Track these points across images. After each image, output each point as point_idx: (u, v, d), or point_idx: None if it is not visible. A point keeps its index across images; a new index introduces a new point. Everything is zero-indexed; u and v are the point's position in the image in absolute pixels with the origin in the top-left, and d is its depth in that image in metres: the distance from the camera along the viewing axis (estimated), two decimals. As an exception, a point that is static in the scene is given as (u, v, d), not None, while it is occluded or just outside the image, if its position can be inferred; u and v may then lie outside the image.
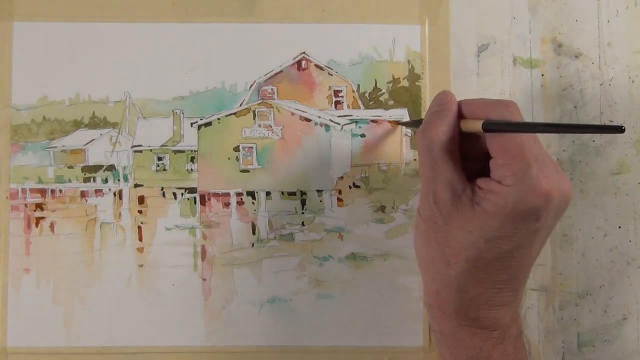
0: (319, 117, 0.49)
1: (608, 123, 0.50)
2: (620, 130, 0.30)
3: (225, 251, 0.49)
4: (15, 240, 0.48)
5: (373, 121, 0.50)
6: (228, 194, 0.49)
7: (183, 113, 0.49)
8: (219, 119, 0.49)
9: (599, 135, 0.50)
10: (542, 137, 0.49)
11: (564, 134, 0.49)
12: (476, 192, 0.37)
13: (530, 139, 0.36)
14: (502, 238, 0.36)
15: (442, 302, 0.39)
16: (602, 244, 0.49)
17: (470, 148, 0.40)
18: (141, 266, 0.48)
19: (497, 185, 0.36)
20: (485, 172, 0.38)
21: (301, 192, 0.49)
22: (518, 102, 0.48)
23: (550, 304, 0.49)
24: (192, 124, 0.49)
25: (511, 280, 0.38)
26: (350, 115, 0.50)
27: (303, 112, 0.49)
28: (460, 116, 0.39)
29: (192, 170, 0.49)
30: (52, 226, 0.49)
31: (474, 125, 0.38)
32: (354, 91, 0.50)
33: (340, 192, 0.49)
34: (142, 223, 0.49)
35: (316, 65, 0.50)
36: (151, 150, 0.49)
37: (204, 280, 0.49)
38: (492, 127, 0.36)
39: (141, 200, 0.49)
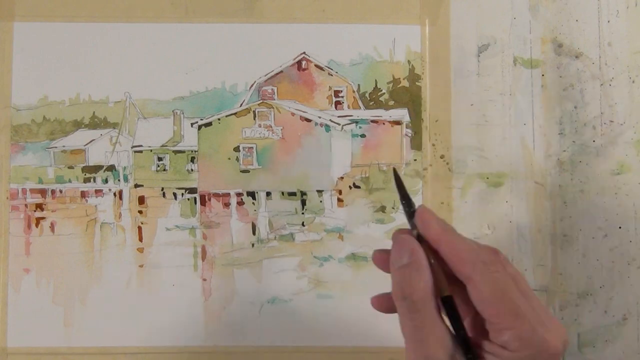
0: (319, 117, 0.49)
1: (608, 123, 0.50)
2: None
3: (225, 251, 0.49)
4: (15, 240, 0.48)
5: (373, 121, 0.50)
6: (228, 194, 0.49)
7: (183, 113, 0.49)
8: (219, 119, 0.49)
9: (599, 134, 0.50)
10: (542, 136, 0.49)
11: None
12: (475, 353, 0.34)
13: (515, 292, 0.34)
14: None
15: None
16: (602, 244, 0.49)
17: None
18: (141, 266, 0.48)
19: (501, 350, 0.33)
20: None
21: (301, 192, 0.49)
22: (518, 102, 0.48)
23: (550, 304, 0.49)
24: (192, 124, 0.49)
25: None
26: (350, 115, 0.50)
27: (303, 112, 0.49)
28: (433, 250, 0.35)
29: (192, 170, 0.49)
30: (52, 226, 0.49)
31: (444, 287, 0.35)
32: (354, 91, 0.50)
33: (340, 192, 0.49)
34: (142, 223, 0.49)
35: (316, 65, 0.50)
36: (151, 150, 0.49)
37: (204, 280, 0.48)
38: None
39: (141, 200, 0.49)
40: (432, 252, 0.35)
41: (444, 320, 0.35)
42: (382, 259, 0.39)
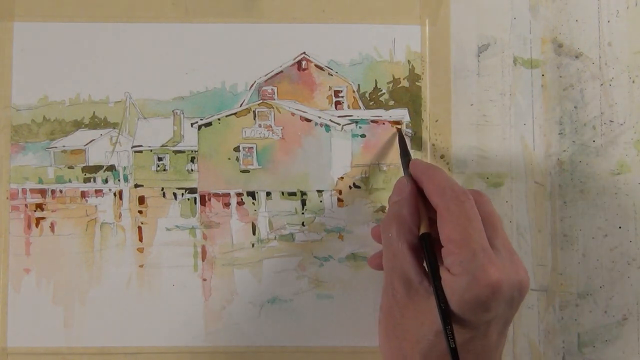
0: (319, 117, 0.49)
1: (608, 123, 0.50)
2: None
3: (225, 251, 0.49)
4: (15, 240, 0.48)
5: (373, 121, 0.50)
6: (228, 194, 0.49)
7: (183, 113, 0.49)
8: (219, 119, 0.49)
9: (599, 135, 0.50)
10: (542, 136, 0.49)
11: None
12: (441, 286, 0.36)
13: (477, 228, 0.35)
14: (471, 328, 0.35)
15: None
16: (602, 244, 0.49)
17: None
18: (141, 266, 0.48)
19: (445, 274, 0.35)
20: None
21: (301, 192, 0.49)
22: (518, 102, 0.48)
23: (550, 304, 0.49)
24: (192, 124, 0.49)
25: None
26: (350, 115, 0.50)
27: (303, 112, 0.49)
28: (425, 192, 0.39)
29: (192, 170, 0.49)
30: (52, 226, 0.49)
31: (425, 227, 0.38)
32: (354, 91, 0.50)
33: (340, 192, 0.49)
34: (142, 223, 0.49)
35: (316, 65, 0.50)
36: (151, 150, 0.49)
37: (204, 280, 0.49)
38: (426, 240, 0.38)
39: (141, 200, 0.49)
40: (421, 193, 0.39)
41: (415, 258, 0.38)
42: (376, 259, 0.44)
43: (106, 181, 0.49)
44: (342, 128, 0.49)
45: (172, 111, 0.49)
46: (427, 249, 0.37)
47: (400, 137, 0.47)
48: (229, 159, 0.49)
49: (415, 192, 0.39)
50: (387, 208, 0.40)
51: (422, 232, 0.38)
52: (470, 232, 0.35)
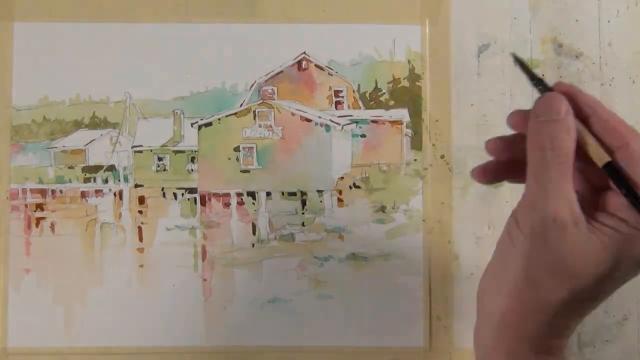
0: (319, 117, 0.49)
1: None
2: None
3: (225, 251, 0.49)
4: (15, 240, 0.48)
5: (373, 121, 0.50)
6: (228, 194, 0.49)
7: (183, 113, 0.49)
8: (219, 119, 0.49)
9: (599, 135, 0.50)
10: (542, 137, 0.49)
11: None
12: (597, 220, 0.33)
13: None
14: (614, 280, 0.33)
15: (519, 329, 0.34)
16: (602, 244, 0.49)
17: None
18: (141, 266, 0.48)
19: (624, 226, 0.32)
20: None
21: (301, 192, 0.49)
22: (518, 103, 0.48)
23: (550, 304, 0.49)
24: (192, 124, 0.49)
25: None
26: (350, 115, 0.50)
27: (303, 112, 0.49)
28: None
29: (192, 170, 0.49)
30: (52, 226, 0.49)
31: (598, 155, 0.34)
32: (354, 91, 0.50)
33: (340, 192, 0.49)
34: (142, 223, 0.49)
35: (316, 65, 0.50)
36: (151, 150, 0.49)
37: (204, 280, 0.49)
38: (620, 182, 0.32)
39: (141, 200, 0.49)
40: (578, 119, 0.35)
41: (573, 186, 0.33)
42: (519, 118, 0.37)
43: (106, 181, 0.49)
44: (342, 128, 0.49)
45: (172, 111, 0.49)
46: (622, 176, 0.33)
47: (520, 62, 0.38)
48: (229, 159, 0.49)
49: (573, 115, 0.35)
50: (532, 126, 0.35)
51: (608, 161, 0.33)
52: None
